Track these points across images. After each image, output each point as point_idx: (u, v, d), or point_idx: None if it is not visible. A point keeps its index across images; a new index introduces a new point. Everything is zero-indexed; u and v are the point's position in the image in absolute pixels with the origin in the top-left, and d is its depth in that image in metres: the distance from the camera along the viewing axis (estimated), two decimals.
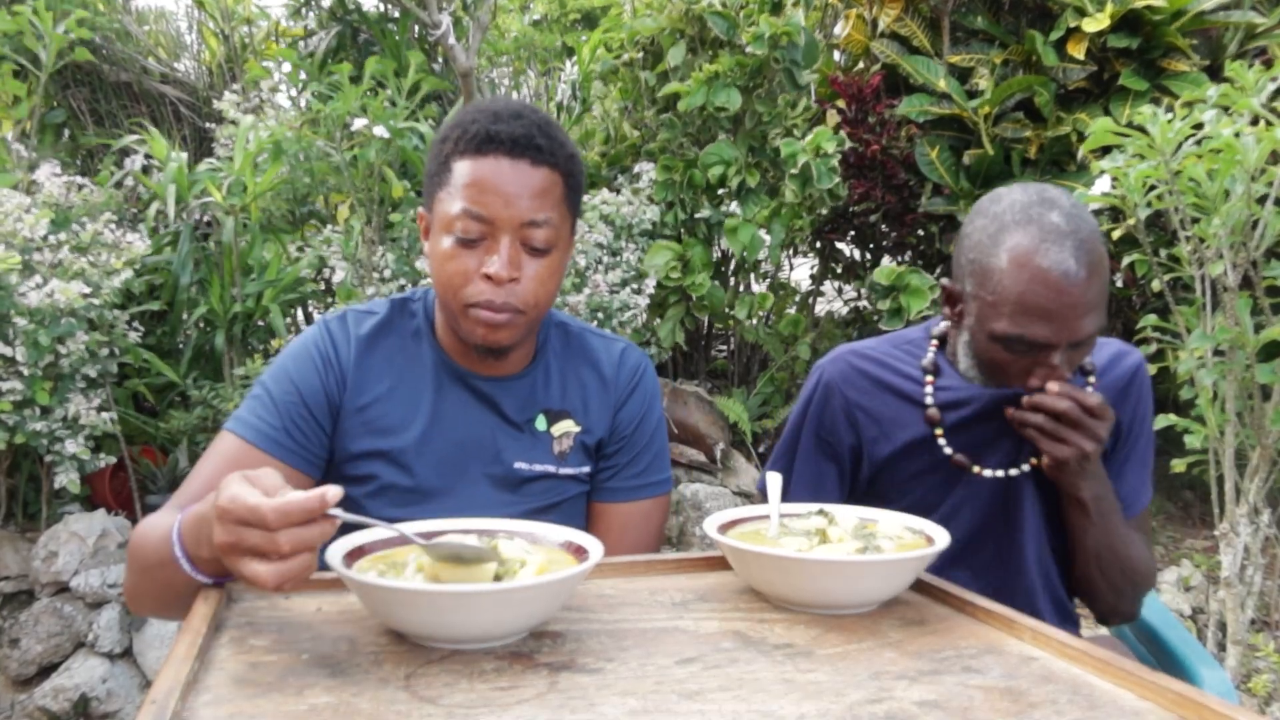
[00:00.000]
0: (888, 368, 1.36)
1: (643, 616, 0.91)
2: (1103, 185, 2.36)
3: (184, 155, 3.29)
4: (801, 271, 4.94)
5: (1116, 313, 4.15)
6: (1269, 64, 2.93)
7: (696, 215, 3.78)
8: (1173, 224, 2.38)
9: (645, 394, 1.31)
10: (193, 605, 0.87)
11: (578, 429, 1.26)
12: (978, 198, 1.98)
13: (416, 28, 4.34)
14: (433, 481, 1.21)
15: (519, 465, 1.23)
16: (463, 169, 1.13)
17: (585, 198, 3.67)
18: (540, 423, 1.25)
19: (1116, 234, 2.63)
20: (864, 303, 4.64)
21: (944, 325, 1.36)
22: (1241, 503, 2.45)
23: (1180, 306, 2.48)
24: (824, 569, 0.91)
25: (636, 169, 3.85)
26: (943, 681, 0.77)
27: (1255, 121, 2.17)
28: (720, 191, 3.83)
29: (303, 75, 4.06)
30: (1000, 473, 1.30)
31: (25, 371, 2.62)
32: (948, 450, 1.31)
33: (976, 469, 1.30)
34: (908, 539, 1.01)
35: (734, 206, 3.75)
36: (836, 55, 4.62)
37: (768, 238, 3.79)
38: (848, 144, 3.74)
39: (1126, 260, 2.80)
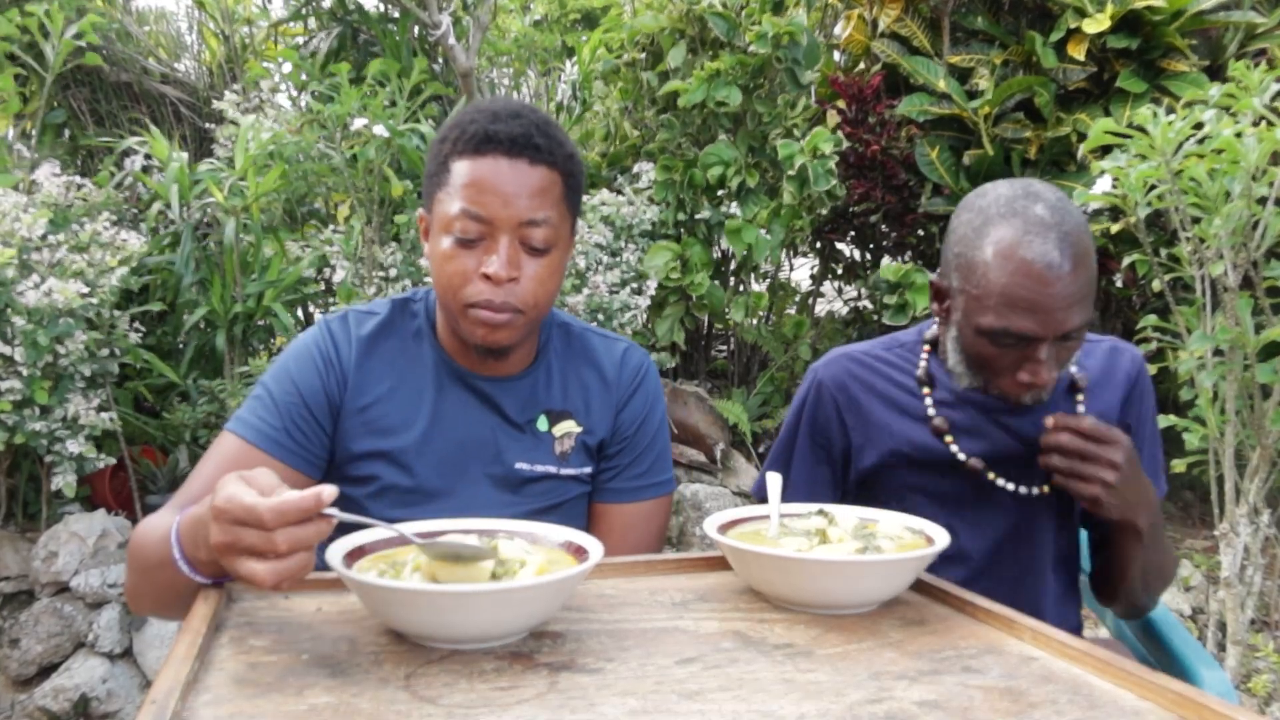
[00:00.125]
0: (879, 374, 1.35)
1: (643, 616, 0.91)
2: (1104, 185, 2.36)
3: (185, 155, 3.29)
4: (802, 272, 4.94)
5: (1116, 313, 4.15)
6: (1270, 65, 2.93)
7: (696, 216, 3.78)
8: (1173, 224, 2.38)
9: (647, 395, 1.31)
10: (192, 605, 0.87)
11: (579, 429, 1.26)
12: None
13: (416, 28, 4.34)
14: (434, 482, 1.20)
15: (520, 466, 1.23)
16: (461, 169, 1.13)
17: (585, 198, 3.67)
18: (542, 423, 1.25)
19: (1115, 229, 2.63)
20: (864, 303, 4.64)
21: (934, 329, 1.35)
22: (1241, 503, 2.45)
23: (1180, 307, 2.48)
24: (824, 569, 0.91)
25: (636, 169, 3.85)
26: (943, 681, 0.77)
27: (1257, 122, 2.17)
28: (720, 192, 3.83)
29: (303, 75, 4.06)
30: (1009, 484, 1.30)
31: (24, 371, 2.62)
32: (960, 455, 1.30)
33: (992, 475, 1.29)
34: (908, 539, 1.01)
35: (734, 207, 3.75)
36: (837, 55, 4.62)
37: (769, 237, 3.80)
38: (845, 144, 3.74)
39: (1127, 260, 2.80)
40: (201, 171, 3.32)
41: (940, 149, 3.94)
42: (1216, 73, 3.70)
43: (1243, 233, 2.25)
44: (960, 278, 1.19)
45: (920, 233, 4.24)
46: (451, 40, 3.73)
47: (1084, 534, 1.44)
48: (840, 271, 4.67)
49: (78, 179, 3.12)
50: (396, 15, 4.33)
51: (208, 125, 4.21)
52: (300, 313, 3.98)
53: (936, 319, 1.31)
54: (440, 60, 4.37)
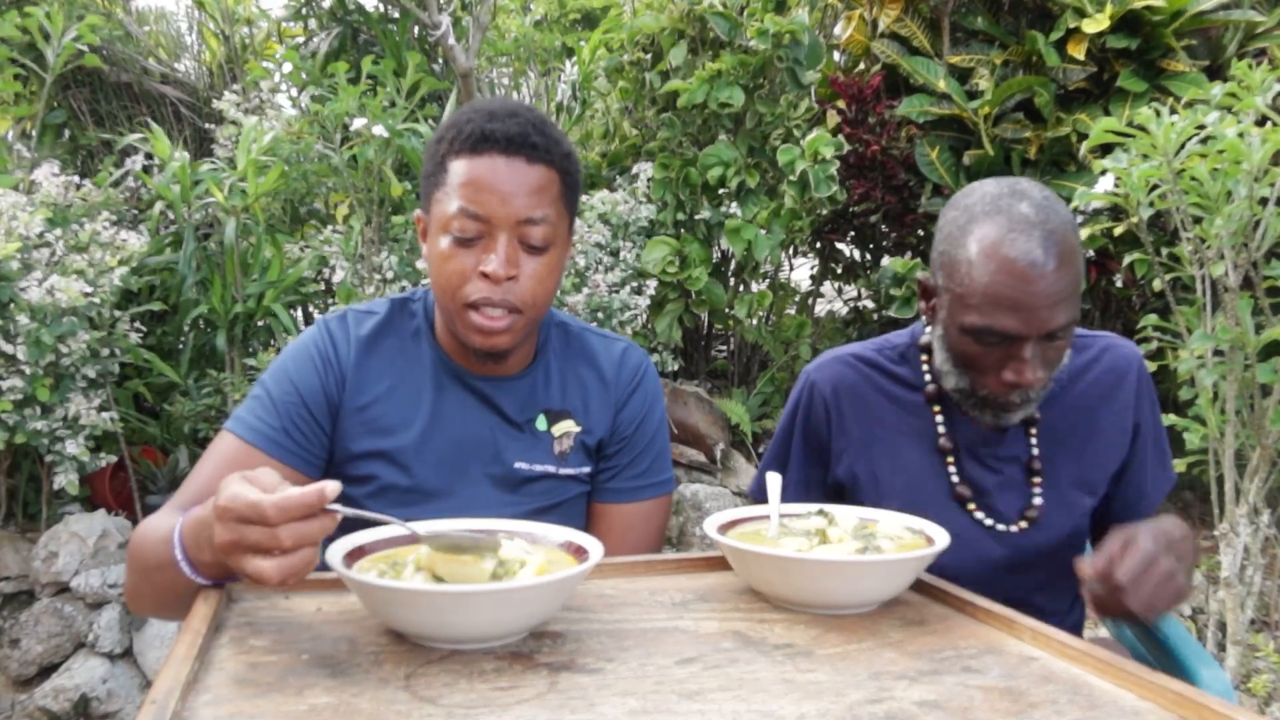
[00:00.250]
0: (870, 381, 1.35)
1: (643, 616, 0.91)
2: (1105, 184, 2.36)
3: (186, 155, 3.29)
4: (802, 272, 4.94)
5: (1117, 313, 4.15)
6: (1271, 64, 2.93)
7: (696, 216, 3.78)
8: (1173, 224, 2.38)
9: (646, 394, 1.31)
10: (193, 606, 0.87)
11: (578, 429, 1.26)
12: None
13: (416, 28, 4.34)
14: (432, 481, 1.20)
15: (519, 465, 1.23)
16: (459, 168, 1.13)
17: (584, 198, 3.68)
18: (541, 423, 1.25)
19: (1119, 231, 2.63)
20: (864, 303, 4.64)
21: (928, 334, 1.34)
22: (1241, 503, 2.45)
23: (1181, 306, 2.48)
24: (824, 569, 0.91)
25: (636, 169, 3.85)
26: (943, 681, 0.77)
27: (1261, 122, 2.17)
28: (720, 192, 3.83)
29: (303, 76, 4.06)
30: (987, 519, 1.29)
31: (26, 370, 2.62)
32: (954, 478, 1.30)
33: (972, 506, 1.30)
34: (908, 539, 1.01)
35: (733, 207, 3.75)
36: (837, 56, 4.62)
37: (768, 238, 3.79)
38: (846, 148, 3.74)
39: (1127, 260, 2.80)
40: (202, 171, 3.32)
41: (940, 149, 3.94)
42: (1216, 72, 3.70)
43: (1244, 233, 2.25)
44: (945, 276, 1.19)
45: (920, 233, 4.24)
46: (451, 40, 3.73)
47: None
48: (840, 271, 4.67)
49: (77, 179, 3.12)
50: (396, 15, 4.34)
51: (208, 125, 4.21)
52: (300, 313, 3.98)
53: (924, 318, 1.31)
54: (440, 60, 4.37)
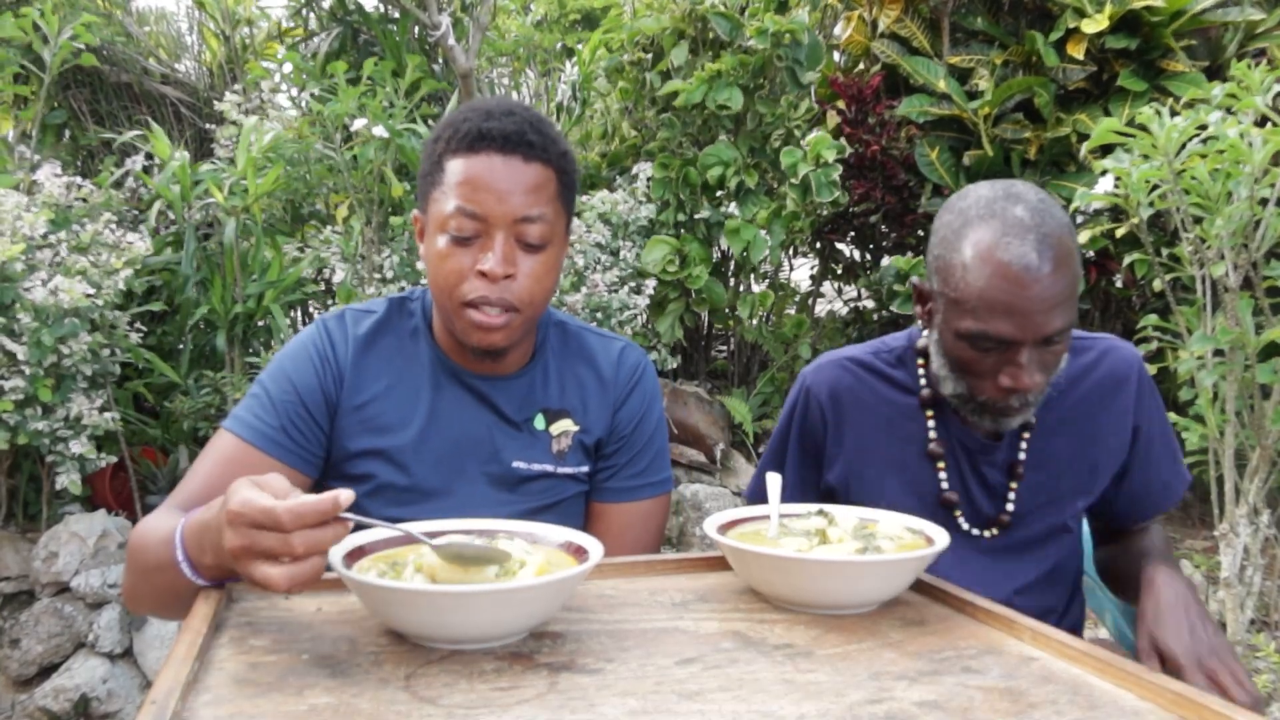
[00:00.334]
0: (866, 385, 1.34)
1: (643, 617, 0.91)
2: (1105, 185, 2.36)
3: (186, 155, 3.29)
4: (802, 272, 4.94)
5: (1117, 313, 4.15)
6: (1271, 64, 2.93)
7: (696, 216, 3.78)
8: (1173, 224, 2.38)
9: (644, 393, 1.31)
10: (192, 606, 0.87)
11: (576, 428, 1.26)
12: None
13: (416, 29, 4.34)
14: (430, 480, 1.20)
15: (517, 464, 1.23)
16: (455, 167, 1.13)
17: (585, 198, 3.68)
18: (539, 422, 1.25)
19: (1120, 233, 2.63)
20: (864, 303, 4.64)
21: (924, 339, 1.33)
22: (1241, 503, 2.45)
23: (1181, 307, 2.48)
24: (824, 569, 0.91)
25: (635, 169, 3.85)
26: (943, 682, 0.77)
27: (1261, 123, 2.17)
28: (720, 193, 3.83)
29: (304, 76, 4.06)
30: (967, 524, 1.29)
31: (28, 370, 2.62)
32: (944, 485, 1.30)
33: (958, 513, 1.30)
34: (907, 539, 1.01)
35: (733, 208, 3.75)
36: (836, 56, 4.62)
37: (768, 238, 3.80)
38: (848, 151, 3.74)
39: (1127, 260, 2.80)
40: (202, 172, 3.32)
41: (940, 149, 3.94)
42: (1216, 73, 3.70)
43: (1244, 233, 2.25)
44: (940, 280, 1.17)
45: (920, 233, 4.24)
46: (451, 41, 3.73)
47: (1084, 536, 1.44)
48: (840, 271, 4.67)
49: (79, 180, 3.12)
50: (396, 16, 4.34)
51: (208, 126, 4.21)
52: (300, 314, 3.98)
53: (921, 322, 1.30)
54: (440, 61, 4.37)
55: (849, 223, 4.27)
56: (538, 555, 0.88)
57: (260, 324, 3.33)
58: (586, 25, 4.91)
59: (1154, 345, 2.49)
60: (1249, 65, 2.17)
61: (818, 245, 4.57)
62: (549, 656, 0.81)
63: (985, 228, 1.12)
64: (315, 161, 3.37)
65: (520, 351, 1.25)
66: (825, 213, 3.88)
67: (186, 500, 1.09)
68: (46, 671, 2.77)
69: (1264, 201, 2.21)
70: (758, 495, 1.32)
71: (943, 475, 1.30)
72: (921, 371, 1.33)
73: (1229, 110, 2.17)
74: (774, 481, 1.11)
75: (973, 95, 3.92)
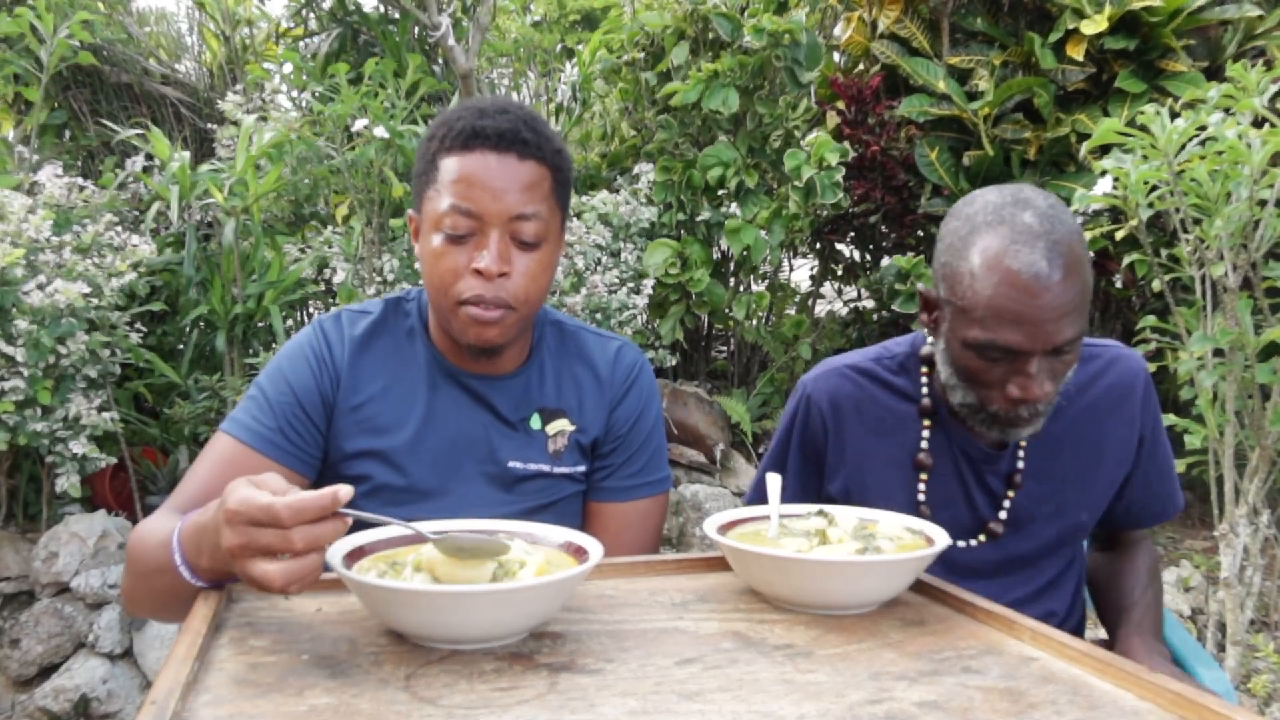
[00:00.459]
0: (867, 394, 1.33)
1: (643, 617, 0.91)
2: (1105, 185, 2.36)
3: (186, 155, 3.29)
4: (802, 272, 4.94)
5: (1116, 313, 4.15)
6: (1269, 65, 2.93)
7: (696, 217, 3.79)
8: (1173, 224, 2.38)
9: (641, 393, 1.31)
10: (192, 607, 0.87)
11: (572, 428, 1.26)
12: None
13: (416, 29, 4.34)
14: (427, 481, 1.20)
15: (513, 464, 1.23)
16: (450, 165, 1.13)
17: (584, 199, 3.68)
18: (535, 421, 1.25)
19: (1120, 235, 2.63)
20: (864, 303, 4.64)
21: (929, 346, 1.31)
22: (1241, 503, 2.45)
23: (1180, 307, 2.48)
24: (824, 569, 0.91)
25: (636, 170, 3.85)
26: (942, 682, 0.77)
27: (1259, 124, 2.17)
28: (720, 193, 3.83)
29: (304, 76, 4.07)
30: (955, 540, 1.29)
31: (26, 371, 2.62)
32: (921, 496, 1.29)
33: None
34: (907, 540, 1.01)
35: (733, 208, 3.76)
36: (836, 57, 4.62)
37: (768, 238, 3.80)
38: (851, 154, 3.73)
39: (1127, 260, 2.80)
40: (202, 172, 3.32)
41: (940, 150, 3.94)
42: (1215, 73, 3.70)
43: (1243, 234, 2.25)
44: (947, 288, 1.15)
45: (920, 233, 4.24)
46: (451, 41, 3.73)
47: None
48: (840, 272, 4.67)
49: (80, 180, 3.12)
50: (396, 16, 4.34)
51: (209, 126, 4.21)
52: (301, 315, 3.98)
53: (926, 330, 1.28)
54: (440, 61, 4.37)
55: (849, 223, 4.27)
56: (537, 555, 0.88)
57: (260, 325, 3.33)
58: (586, 26, 4.91)
59: (1153, 346, 2.49)
60: (1246, 66, 2.17)
61: (817, 246, 4.57)
62: (549, 657, 0.81)
63: (993, 235, 1.10)
64: (317, 162, 3.37)
65: (516, 351, 1.25)
66: (825, 213, 3.88)
67: (185, 502, 1.09)
68: (46, 672, 2.77)
69: (1263, 202, 2.21)
70: (758, 501, 1.32)
71: (921, 486, 1.29)
72: (925, 380, 1.31)
73: (1227, 111, 2.17)
74: (774, 482, 1.11)
75: (972, 96, 3.92)
